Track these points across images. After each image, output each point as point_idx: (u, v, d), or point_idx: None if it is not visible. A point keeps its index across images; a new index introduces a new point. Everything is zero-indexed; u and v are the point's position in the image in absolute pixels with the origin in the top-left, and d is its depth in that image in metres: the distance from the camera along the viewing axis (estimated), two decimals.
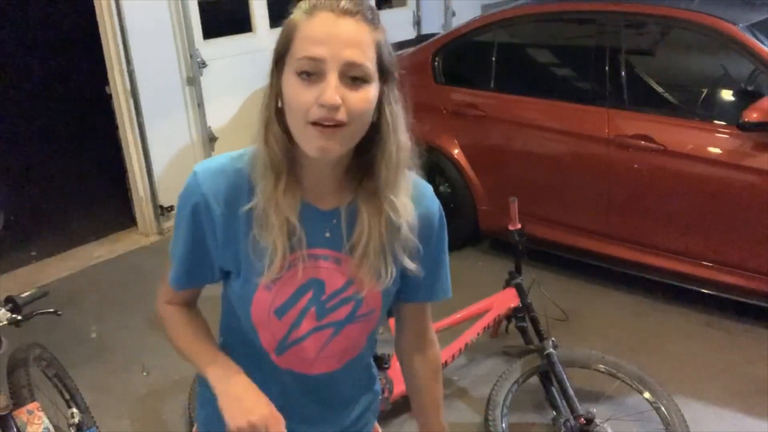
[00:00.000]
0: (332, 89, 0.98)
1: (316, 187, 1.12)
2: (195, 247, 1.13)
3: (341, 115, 1.00)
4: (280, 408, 1.14)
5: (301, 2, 1.05)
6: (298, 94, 1.00)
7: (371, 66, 1.02)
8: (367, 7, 1.04)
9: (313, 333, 1.16)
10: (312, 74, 1.00)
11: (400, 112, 1.09)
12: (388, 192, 1.10)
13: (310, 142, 1.02)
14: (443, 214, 1.23)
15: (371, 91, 1.03)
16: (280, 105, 1.06)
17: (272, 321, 1.13)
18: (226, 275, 1.17)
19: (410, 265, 1.16)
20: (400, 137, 1.09)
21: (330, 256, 1.14)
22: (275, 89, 1.07)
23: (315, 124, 1.00)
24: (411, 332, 1.34)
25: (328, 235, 1.13)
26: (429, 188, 1.22)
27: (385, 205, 1.10)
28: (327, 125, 1.00)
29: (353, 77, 1.01)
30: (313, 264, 1.13)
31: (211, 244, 1.13)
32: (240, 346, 1.21)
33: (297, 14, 1.04)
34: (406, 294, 1.25)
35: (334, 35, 0.99)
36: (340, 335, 1.17)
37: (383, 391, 2.65)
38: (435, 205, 1.21)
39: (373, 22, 1.04)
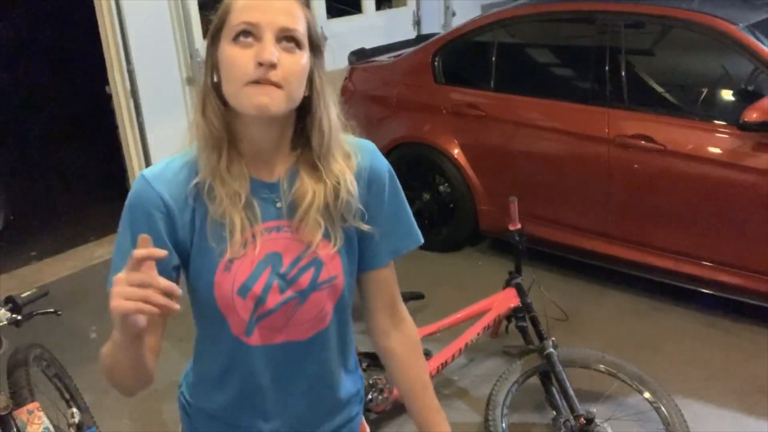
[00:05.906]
0: (269, 48, 1.05)
1: (259, 160, 1.16)
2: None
3: (276, 77, 1.05)
4: (260, 402, 1.22)
5: None
6: (235, 57, 1.06)
7: (303, 33, 1.10)
8: None
9: (281, 306, 1.16)
10: (248, 36, 1.06)
11: (328, 85, 1.16)
12: (323, 158, 1.16)
13: (249, 101, 1.06)
14: (391, 167, 1.26)
15: (304, 56, 1.10)
16: (215, 80, 1.11)
17: (237, 301, 1.14)
18: (187, 270, 1.17)
19: (359, 224, 1.19)
20: (330, 108, 1.16)
21: (284, 227, 1.16)
22: (210, 64, 1.12)
23: (253, 83, 1.05)
24: (382, 309, 1.31)
25: (279, 205, 1.16)
26: (372, 145, 1.26)
27: (324, 171, 1.15)
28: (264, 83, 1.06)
29: (287, 41, 1.07)
30: (268, 237, 1.15)
31: (168, 243, 1.11)
32: (213, 346, 1.22)
33: None
34: (370, 258, 1.24)
35: (269, 5, 1.07)
36: (306, 304, 1.18)
37: (383, 391, 2.65)
38: (382, 159, 1.25)
39: (302, 0, 1.12)
